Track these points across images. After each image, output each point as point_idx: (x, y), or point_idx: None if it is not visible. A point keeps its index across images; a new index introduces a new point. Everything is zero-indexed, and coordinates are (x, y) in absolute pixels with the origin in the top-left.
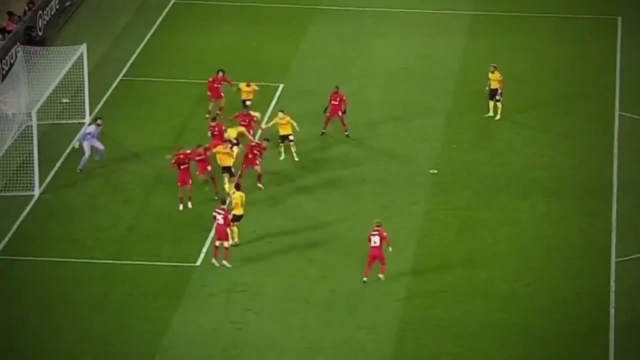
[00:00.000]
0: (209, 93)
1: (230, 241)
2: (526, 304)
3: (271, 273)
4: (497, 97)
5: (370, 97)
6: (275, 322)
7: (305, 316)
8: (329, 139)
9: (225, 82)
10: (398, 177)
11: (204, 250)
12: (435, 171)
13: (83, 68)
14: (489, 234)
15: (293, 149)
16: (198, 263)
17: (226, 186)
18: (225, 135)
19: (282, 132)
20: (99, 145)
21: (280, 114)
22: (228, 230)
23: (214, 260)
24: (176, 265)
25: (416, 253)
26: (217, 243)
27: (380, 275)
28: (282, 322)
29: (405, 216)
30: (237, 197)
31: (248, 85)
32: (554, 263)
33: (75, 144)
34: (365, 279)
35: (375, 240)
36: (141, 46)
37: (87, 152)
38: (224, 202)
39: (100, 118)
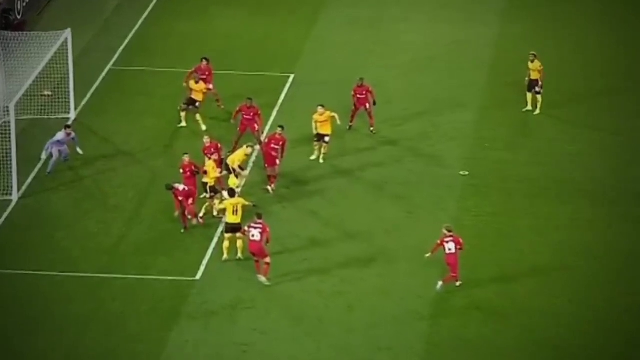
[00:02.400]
0: (190, 87)
1: (240, 254)
2: (569, 322)
3: (280, 288)
4: (537, 89)
5: (391, 90)
6: (285, 344)
7: (319, 337)
8: (348, 136)
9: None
10: (424, 180)
11: (204, 262)
12: (466, 173)
13: (67, 56)
14: (527, 243)
15: (323, 150)
16: (197, 277)
17: (216, 204)
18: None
19: (320, 131)
20: (66, 149)
21: (319, 109)
22: (266, 246)
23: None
24: (173, 280)
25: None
26: (256, 258)
27: (440, 283)
28: (293, 343)
29: (432, 223)
30: (228, 204)
31: (197, 82)
32: (600, 276)
33: (44, 155)
34: (458, 283)
35: (451, 247)
36: (133, 31)
37: (55, 155)
38: (259, 216)
39: (69, 126)
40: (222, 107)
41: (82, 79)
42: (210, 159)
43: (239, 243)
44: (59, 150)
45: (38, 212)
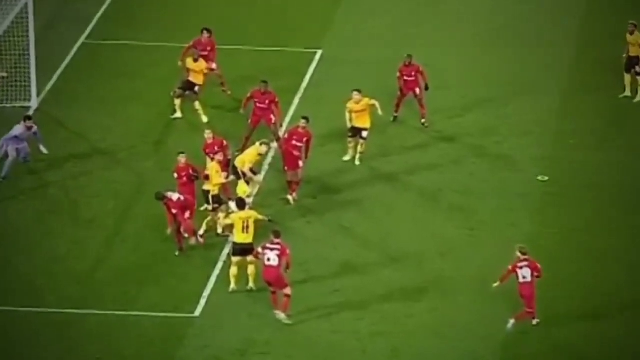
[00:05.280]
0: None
1: (251, 284)
2: None
3: (304, 327)
4: (637, 69)
5: (447, 71)
6: None
7: None
8: (391, 131)
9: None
10: (489, 187)
11: (205, 294)
12: (545, 178)
13: (28, 27)
14: (622, 269)
15: (360, 149)
16: (197, 313)
17: (221, 219)
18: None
19: (356, 124)
20: (26, 147)
21: (355, 95)
22: (285, 273)
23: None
24: (165, 317)
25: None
26: (272, 289)
27: (512, 321)
28: None
29: (500, 243)
30: (237, 219)
31: (196, 60)
32: None
33: None
34: (535, 321)
35: (525, 274)
36: None
37: (12, 154)
38: (277, 234)
39: (30, 118)
40: (229, 92)
41: (47, 57)
42: (213, 159)
43: (251, 269)
44: (17, 149)
45: None
